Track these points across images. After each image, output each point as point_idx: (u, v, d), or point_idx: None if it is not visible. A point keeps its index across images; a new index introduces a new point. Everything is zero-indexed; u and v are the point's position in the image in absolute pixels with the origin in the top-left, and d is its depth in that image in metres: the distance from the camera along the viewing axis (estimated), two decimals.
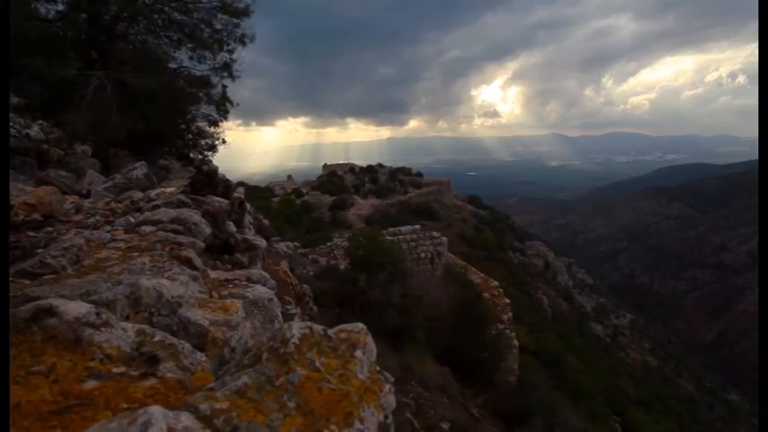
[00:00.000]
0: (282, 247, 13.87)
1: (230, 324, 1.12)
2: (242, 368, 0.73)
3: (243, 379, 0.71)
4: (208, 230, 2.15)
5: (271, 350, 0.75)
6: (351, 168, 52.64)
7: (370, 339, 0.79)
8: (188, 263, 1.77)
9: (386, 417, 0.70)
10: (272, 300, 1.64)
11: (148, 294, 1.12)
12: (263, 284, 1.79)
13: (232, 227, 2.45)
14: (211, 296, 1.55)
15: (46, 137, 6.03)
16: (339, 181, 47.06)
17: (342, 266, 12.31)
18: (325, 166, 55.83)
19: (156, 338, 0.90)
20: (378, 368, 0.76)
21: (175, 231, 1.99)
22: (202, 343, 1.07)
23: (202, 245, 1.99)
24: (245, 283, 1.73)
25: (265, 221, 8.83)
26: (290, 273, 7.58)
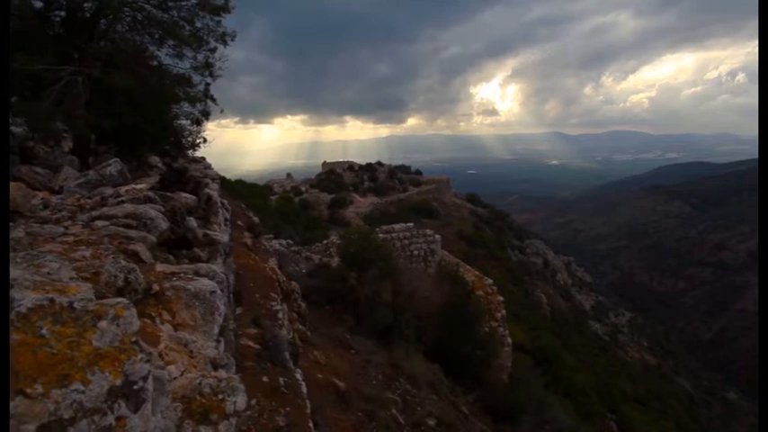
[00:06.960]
0: (275, 244, 13.92)
1: None
2: None
3: None
4: (164, 225, 2.17)
5: None
6: (350, 166, 52.68)
7: (128, 313, 0.82)
8: (135, 256, 1.79)
9: (130, 383, 0.74)
10: (214, 292, 1.66)
11: None
12: (211, 278, 1.81)
13: (193, 222, 2.47)
14: (151, 288, 1.57)
15: (31, 134, 6.06)
16: (338, 179, 47.11)
17: (334, 264, 12.34)
18: (324, 164, 55.87)
19: None
20: (134, 339, 0.80)
21: (128, 226, 2.01)
22: None
23: (154, 239, 2.02)
24: (190, 276, 1.75)
25: (255, 219, 8.86)
26: (277, 270, 7.60)
